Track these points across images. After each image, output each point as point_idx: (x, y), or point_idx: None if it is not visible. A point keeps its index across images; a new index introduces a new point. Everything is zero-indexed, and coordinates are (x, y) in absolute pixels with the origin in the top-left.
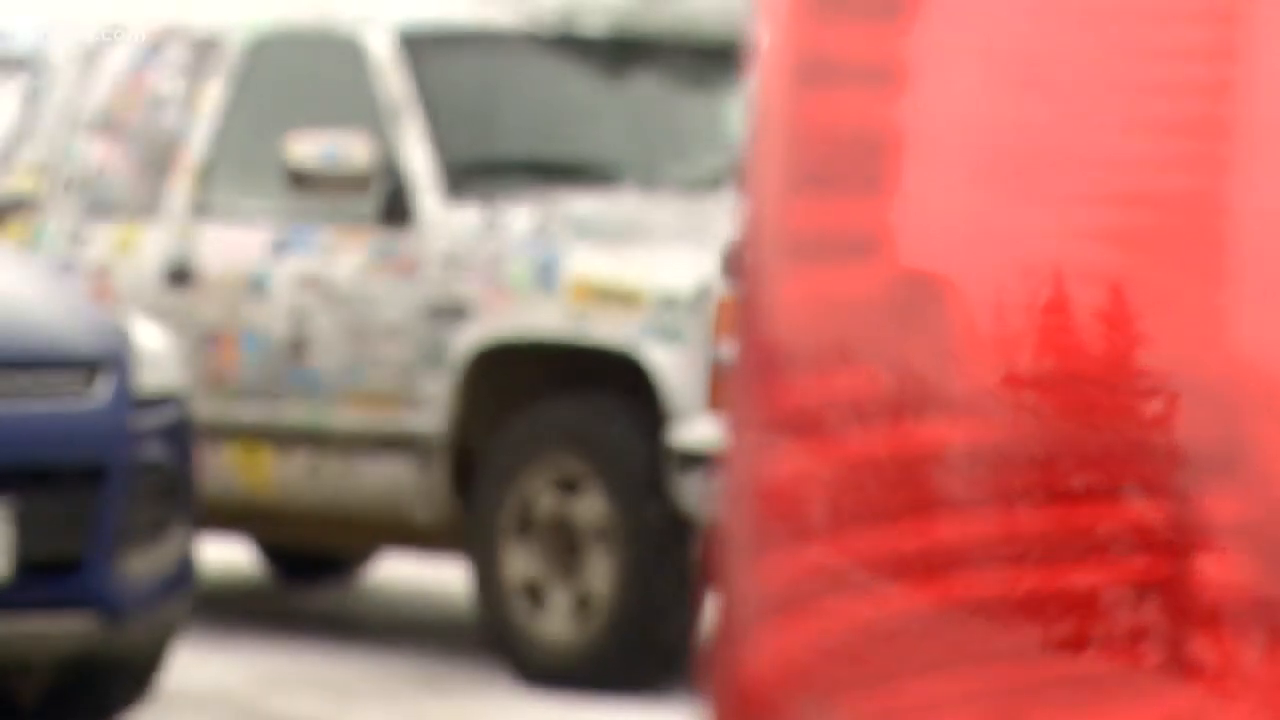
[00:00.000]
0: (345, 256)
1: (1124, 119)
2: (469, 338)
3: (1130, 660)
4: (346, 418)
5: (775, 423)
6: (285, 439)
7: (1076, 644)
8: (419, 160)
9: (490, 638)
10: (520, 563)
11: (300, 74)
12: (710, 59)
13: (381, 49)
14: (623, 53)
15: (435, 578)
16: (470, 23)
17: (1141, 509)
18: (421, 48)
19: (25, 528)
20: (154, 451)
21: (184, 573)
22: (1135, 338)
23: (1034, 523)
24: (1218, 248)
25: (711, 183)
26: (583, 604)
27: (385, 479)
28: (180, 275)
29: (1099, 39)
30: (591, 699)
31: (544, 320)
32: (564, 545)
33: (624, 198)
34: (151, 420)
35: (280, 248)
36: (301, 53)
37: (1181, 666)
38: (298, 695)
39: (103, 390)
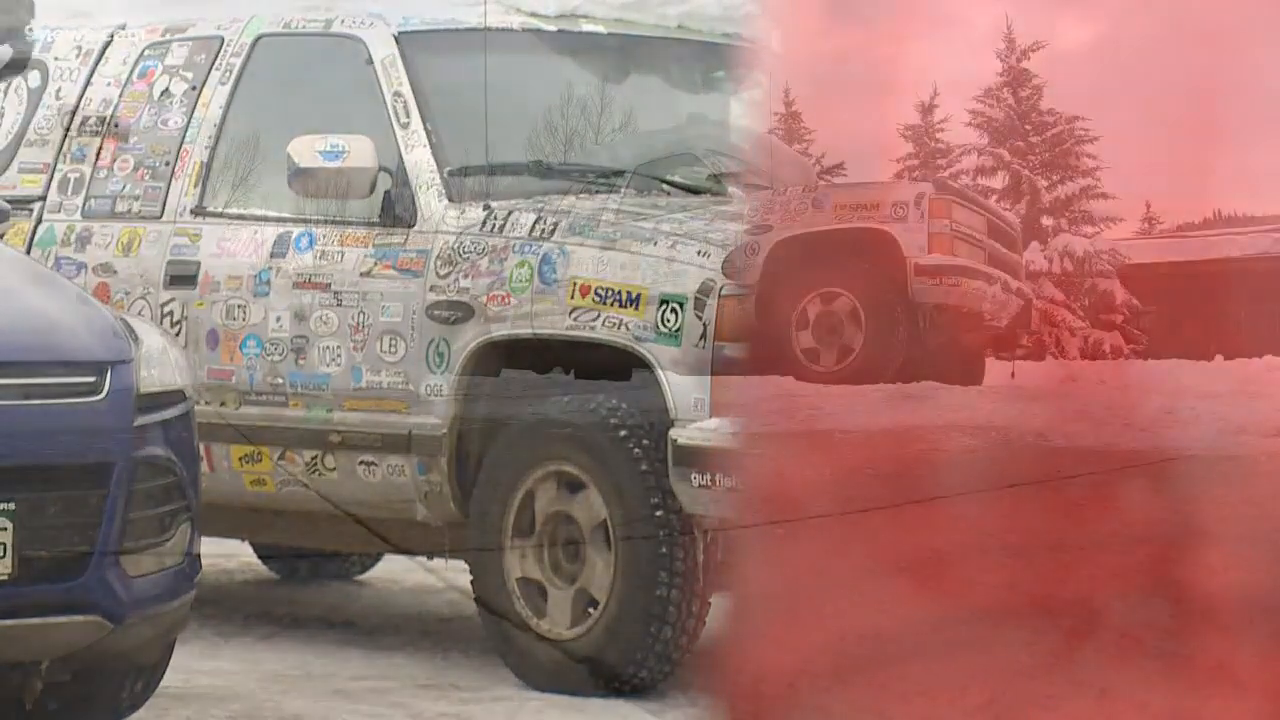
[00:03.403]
0: (346, 256)
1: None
2: (470, 338)
3: (1130, 660)
4: (347, 418)
5: (781, 423)
6: (286, 439)
7: (1076, 643)
8: (420, 160)
9: (490, 638)
10: (520, 563)
11: (302, 74)
12: (712, 58)
13: (382, 49)
14: (624, 52)
15: (435, 578)
16: (470, 22)
17: (1142, 509)
18: (422, 48)
19: (28, 527)
20: (157, 451)
21: (186, 572)
22: (1136, 341)
23: (1035, 523)
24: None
25: (714, 182)
26: (583, 604)
27: (385, 479)
28: (182, 275)
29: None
30: (591, 699)
31: (545, 320)
32: (564, 545)
33: (625, 197)
34: (154, 420)
35: (281, 248)
36: (303, 53)
37: (1181, 666)
38: (298, 695)
39: (105, 390)
